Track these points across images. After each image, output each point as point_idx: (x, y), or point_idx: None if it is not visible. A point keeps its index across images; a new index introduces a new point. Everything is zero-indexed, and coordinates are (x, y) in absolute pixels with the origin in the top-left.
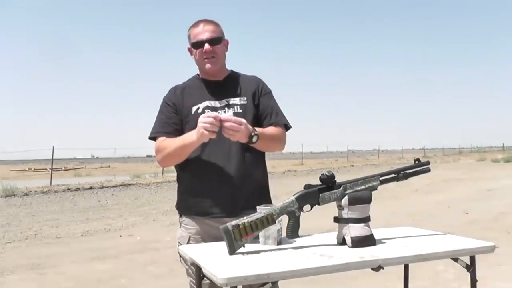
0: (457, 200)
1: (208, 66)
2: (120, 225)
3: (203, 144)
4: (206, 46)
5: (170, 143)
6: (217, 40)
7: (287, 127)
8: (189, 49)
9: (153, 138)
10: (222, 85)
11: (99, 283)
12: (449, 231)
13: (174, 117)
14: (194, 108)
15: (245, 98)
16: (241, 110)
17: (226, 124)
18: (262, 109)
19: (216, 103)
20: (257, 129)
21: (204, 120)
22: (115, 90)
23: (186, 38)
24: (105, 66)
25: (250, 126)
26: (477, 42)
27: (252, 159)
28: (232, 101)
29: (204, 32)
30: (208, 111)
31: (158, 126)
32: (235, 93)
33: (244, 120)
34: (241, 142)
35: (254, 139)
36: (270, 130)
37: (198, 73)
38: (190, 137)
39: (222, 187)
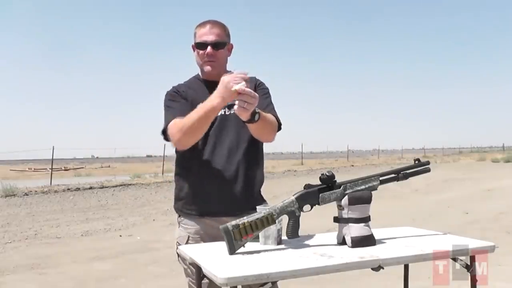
0: (457, 200)
1: (207, 68)
2: (120, 225)
3: (203, 143)
4: (209, 49)
5: (187, 118)
6: (221, 45)
7: (279, 124)
8: (192, 47)
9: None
10: None
11: (99, 283)
12: (449, 231)
13: (185, 105)
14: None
15: None
16: None
17: (245, 98)
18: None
19: None
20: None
21: (236, 77)
22: (115, 90)
23: (186, 38)
24: (105, 66)
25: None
26: (477, 42)
27: (252, 159)
28: (232, 101)
29: (209, 34)
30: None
31: (171, 114)
32: None
33: (257, 95)
34: (240, 138)
35: (256, 117)
36: (268, 114)
37: (199, 73)
38: (210, 103)
39: (222, 187)
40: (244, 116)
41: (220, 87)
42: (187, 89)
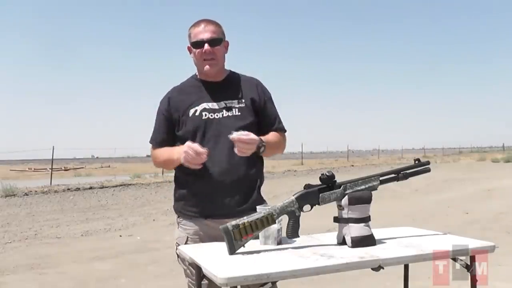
0: (457, 200)
1: (207, 67)
2: (120, 225)
3: (202, 145)
4: (206, 46)
5: (160, 154)
6: (217, 41)
7: (284, 131)
8: (188, 48)
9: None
10: (221, 87)
11: (99, 283)
12: (449, 231)
13: (164, 126)
14: (191, 111)
15: (244, 101)
16: (239, 113)
17: (241, 145)
18: (266, 115)
19: (214, 105)
20: (263, 138)
21: (189, 151)
22: (115, 90)
23: (186, 38)
24: (105, 66)
25: (258, 138)
26: (478, 42)
27: (252, 161)
28: (230, 103)
29: (204, 32)
30: (205, 114)
31: (152, 134)
32: (234, 96)
33: (255, 137)
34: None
35: (261, 150)
36: (274, 137)
37: (196, 73)
38: (176, 156)
39: (222, 189)
40: (248, 154)
41: (183, 149)
42: (179, 94)
